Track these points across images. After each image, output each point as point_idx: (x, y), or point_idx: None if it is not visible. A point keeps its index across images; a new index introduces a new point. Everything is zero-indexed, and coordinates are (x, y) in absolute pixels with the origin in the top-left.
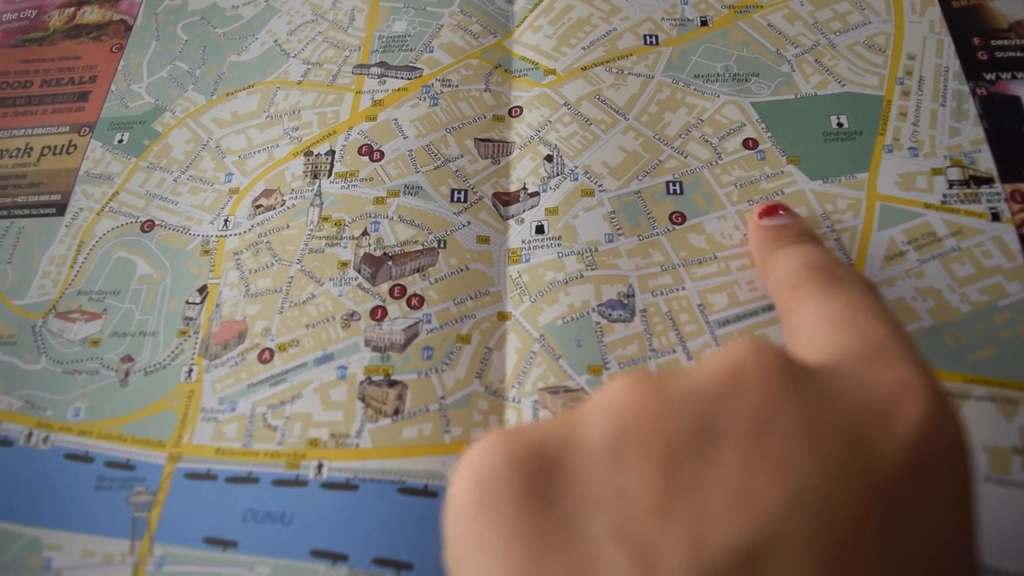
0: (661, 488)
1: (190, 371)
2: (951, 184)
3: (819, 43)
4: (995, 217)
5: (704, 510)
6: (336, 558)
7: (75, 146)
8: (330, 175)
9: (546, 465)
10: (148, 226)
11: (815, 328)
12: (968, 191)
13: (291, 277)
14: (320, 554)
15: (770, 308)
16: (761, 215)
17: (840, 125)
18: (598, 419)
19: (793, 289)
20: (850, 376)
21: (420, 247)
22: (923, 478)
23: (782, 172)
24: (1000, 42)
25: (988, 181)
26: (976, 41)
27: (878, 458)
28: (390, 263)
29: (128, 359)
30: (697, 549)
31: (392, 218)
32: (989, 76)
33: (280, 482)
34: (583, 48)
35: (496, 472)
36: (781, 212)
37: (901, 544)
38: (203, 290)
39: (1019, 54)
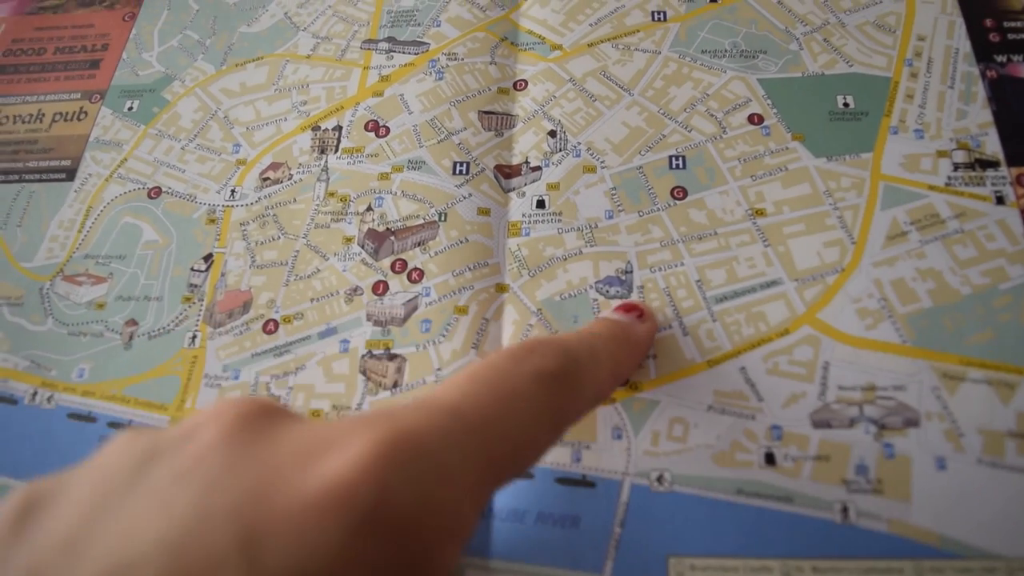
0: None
1: (194, 337)
2: (956, 167)
3: (828, 22)
4: (1000, 200)
5: (95, 543)
6: None
7: (86, 113)
8: (337, 150)
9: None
10: (155, 193)
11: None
12: (973, 174)
13: (297, 251)
14: None
15: (768, 285)
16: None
17: (846, 105)
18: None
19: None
20: (314, 430)
21: (422, 221)
22: (311, 539)
23: (786, 148)
24: (1013, 24)
25: (994, 164)
26: (988, 23)
27: (264, 523)
28: (392, 238)
29: (132, 323)
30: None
31: (396, 193)
32: (1000, 58)
33: None
34: (590, 24)
35: None
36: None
37: None
38: (208, 258)
39: None
